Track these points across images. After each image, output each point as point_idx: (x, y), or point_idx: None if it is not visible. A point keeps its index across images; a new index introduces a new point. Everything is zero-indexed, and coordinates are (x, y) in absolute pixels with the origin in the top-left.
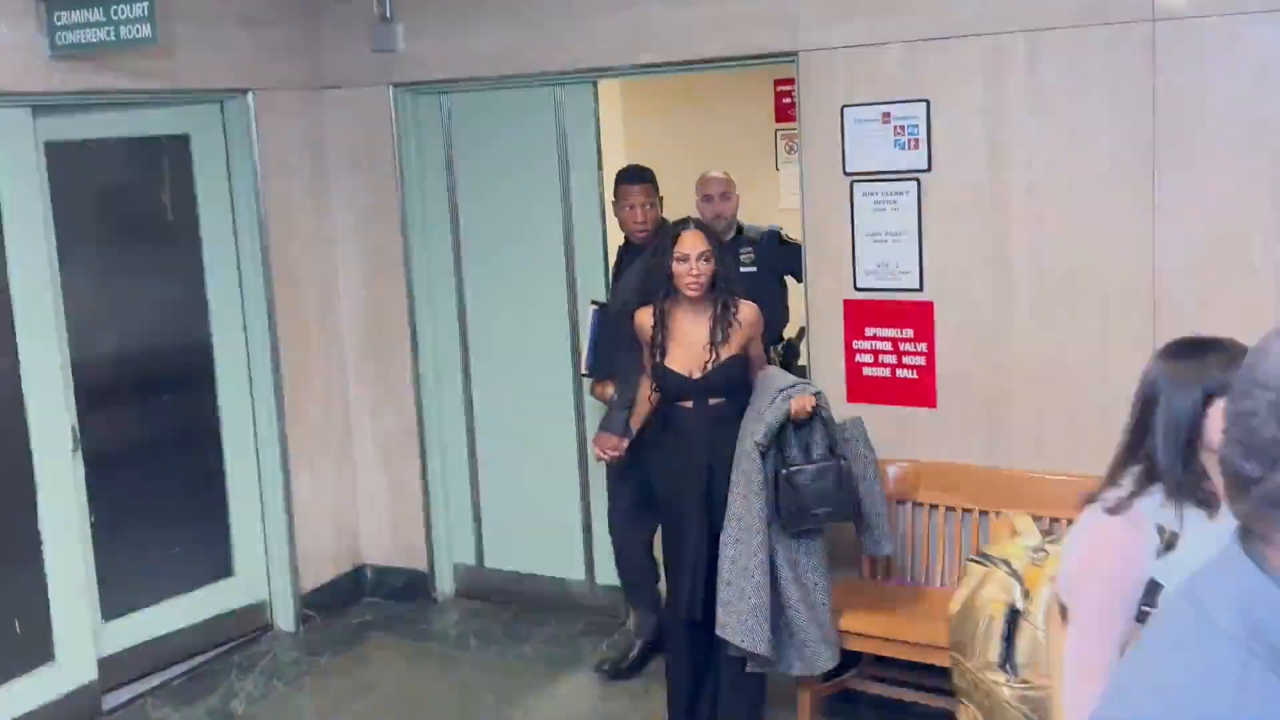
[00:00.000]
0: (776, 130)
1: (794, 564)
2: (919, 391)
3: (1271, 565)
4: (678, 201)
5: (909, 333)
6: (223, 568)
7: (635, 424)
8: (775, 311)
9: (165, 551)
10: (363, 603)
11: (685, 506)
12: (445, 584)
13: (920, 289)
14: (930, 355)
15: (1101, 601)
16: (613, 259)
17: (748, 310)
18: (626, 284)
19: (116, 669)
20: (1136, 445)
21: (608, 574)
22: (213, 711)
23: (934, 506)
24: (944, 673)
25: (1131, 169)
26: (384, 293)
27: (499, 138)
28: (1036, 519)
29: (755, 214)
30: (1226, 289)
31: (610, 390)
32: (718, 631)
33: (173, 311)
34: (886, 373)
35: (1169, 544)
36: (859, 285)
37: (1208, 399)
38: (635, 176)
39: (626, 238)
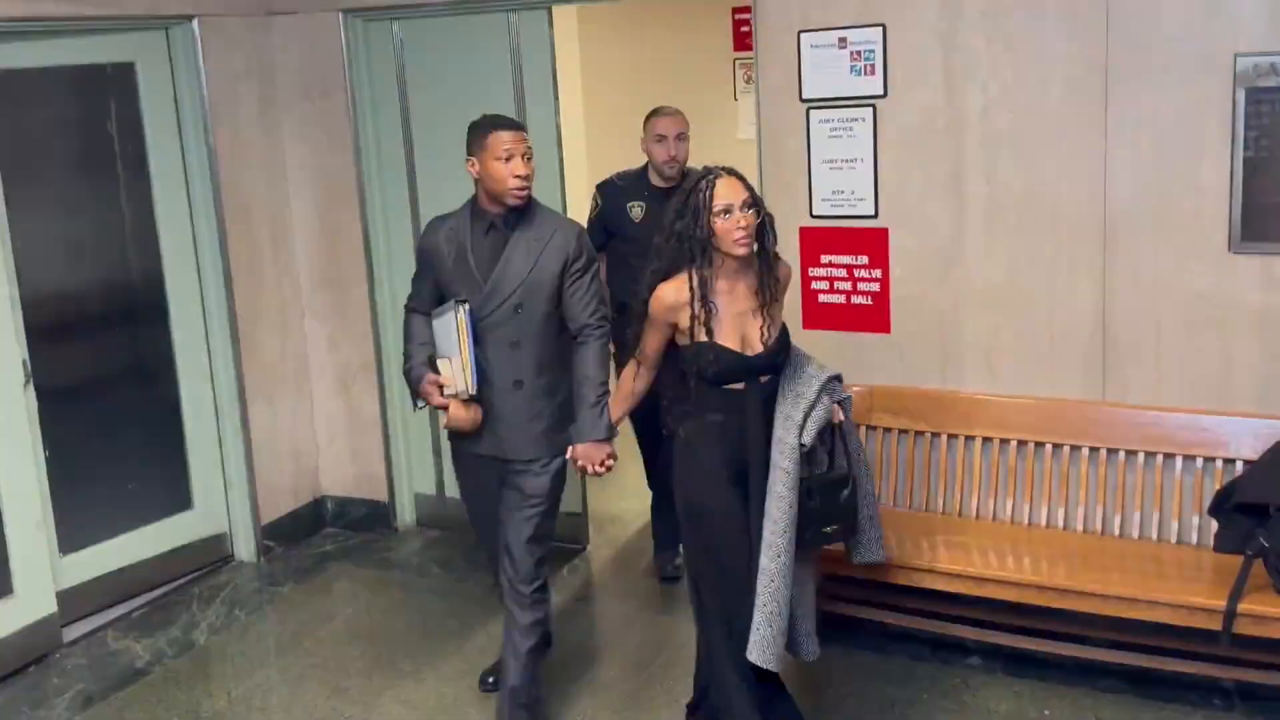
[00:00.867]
0: (735, 60)
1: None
2: (874, 317)
3: None
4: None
5: (864, 259)
6: (181, 500)
7: (616, 418)
8: None
9: (122, 485)
10: (323, 533)
11: (732, 512)
12: (406, 514)
13: (875, 215)
14: (885, 281)
15: None
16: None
17: (784, 267)
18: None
19: (76, 602)
20: None
21: (569, 500)
22: (174, 642)
23: (888, 430)
24: (900, 590)
25: (1084, 92)
26: (339, 223)
27: (453, 66)
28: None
29: (714, 146)
30: (1175, 211)
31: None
32: (748, 655)
33: (123, 244)
34: (842, 299)
35: None
36: (815, 212)
37: None
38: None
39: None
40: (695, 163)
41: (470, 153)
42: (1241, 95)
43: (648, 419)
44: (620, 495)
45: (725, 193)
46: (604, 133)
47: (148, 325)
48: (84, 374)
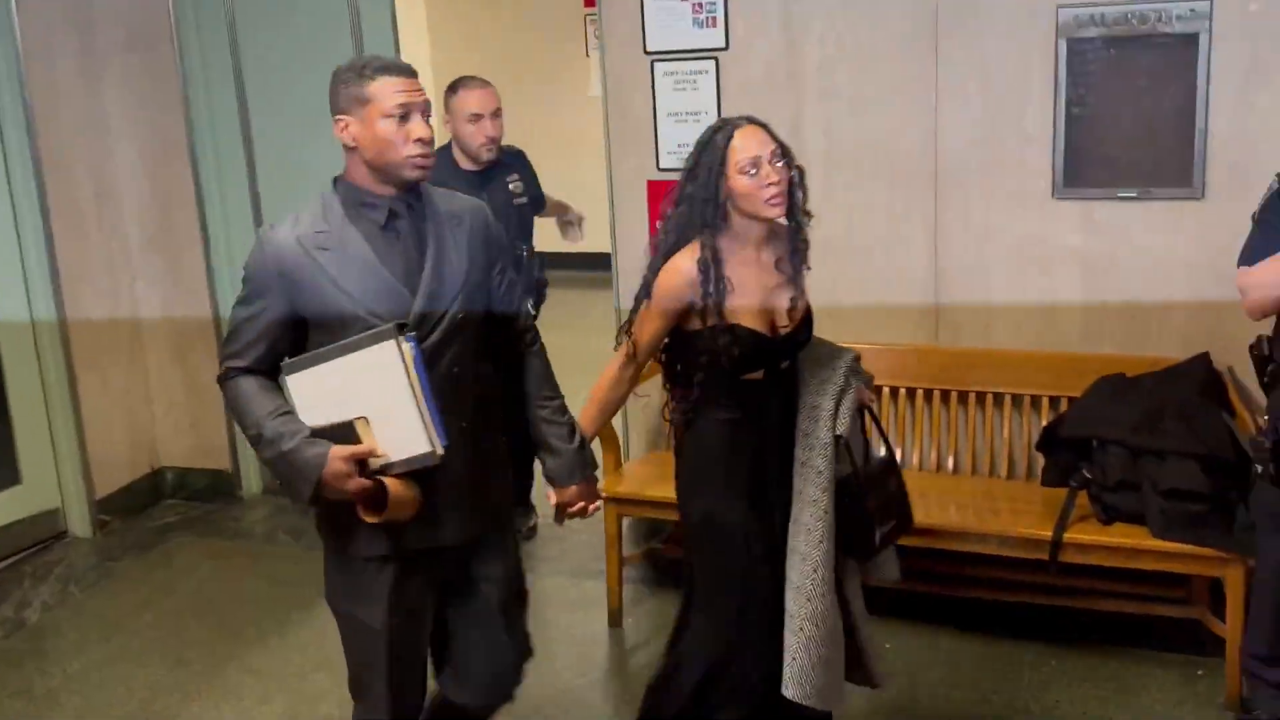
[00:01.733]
0: (585, 15)
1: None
2: None
3: None
4: None
5: None
6: (9, 476)
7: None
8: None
9: None
10: (163, 505)
11: (757, 529)
12: (251, 482)
13: None
14: None
15: None
16: None
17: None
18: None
19: None
20: None
21: None
22: (5, 621)
23: None
24: None
25: (916, 43)
26: (169, 184)
27: (286, 18)
28: None
29: (566, 104)
30: (1003, 159)
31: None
32: (783, 691)
33: None
34: None
35: None
36: (662, 166)
37: None
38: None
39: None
40: (546, 123)
41: (340, 109)
42: (1064, 46)
43: None
44: None
45: (749, 144)
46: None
47: None
48: None
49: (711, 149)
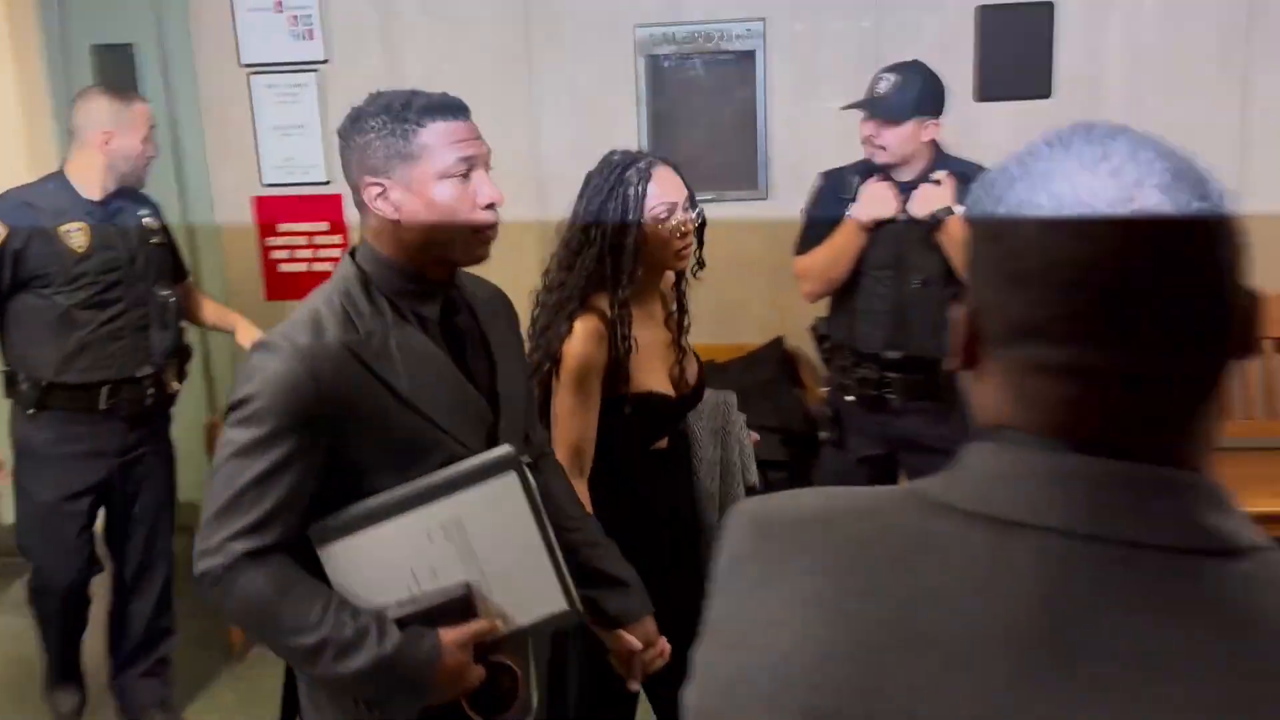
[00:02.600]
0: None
1: None
2: None
3: None
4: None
5: (324, 225)
6: None
7: None
8: None
9: None
10: None
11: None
12: None
13: (328, 182)
14: (345, 247)
15: None
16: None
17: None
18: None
19: None
20: None
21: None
22: None
23: None
24: None
25: (509, 62)
26: None
27: None
28: None
29: None
30: None
31: None
32: None
33: None
34: (304, 267)
35: None
36: (266, 180)
37: None
38: None
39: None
40: None
41: (371, 169)
42: (643, 62)
43: None
44: None
45: (667, 189)
46: None
47: None
48: None
49: (623, 190)
